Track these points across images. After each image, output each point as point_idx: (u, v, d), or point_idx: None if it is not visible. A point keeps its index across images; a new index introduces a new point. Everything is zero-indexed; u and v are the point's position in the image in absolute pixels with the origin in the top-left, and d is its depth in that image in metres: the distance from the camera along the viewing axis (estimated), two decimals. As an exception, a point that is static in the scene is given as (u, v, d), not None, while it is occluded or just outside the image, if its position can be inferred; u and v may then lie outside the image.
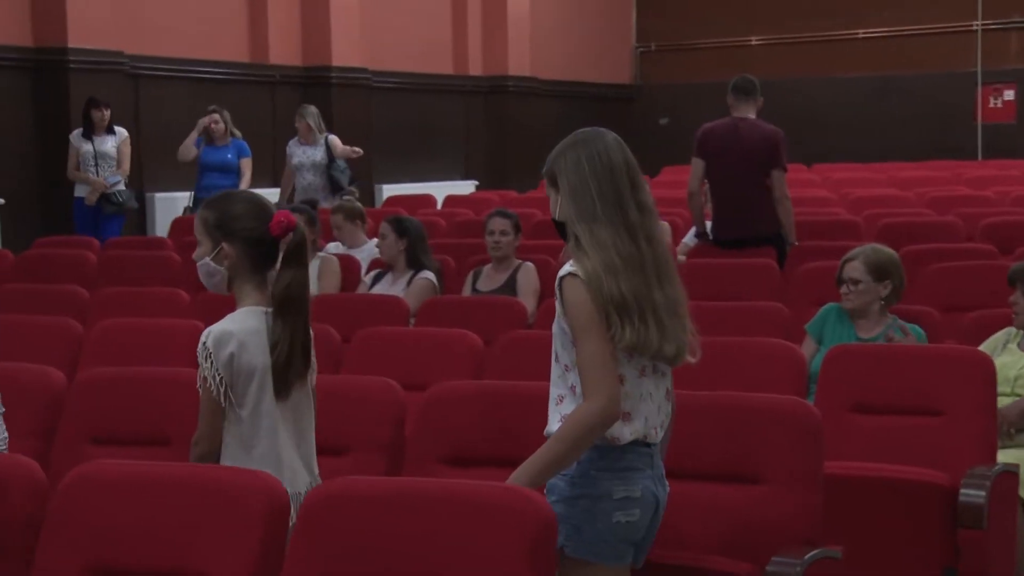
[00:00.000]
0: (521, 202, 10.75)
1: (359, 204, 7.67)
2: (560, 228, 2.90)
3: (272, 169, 12.31)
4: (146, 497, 2.70)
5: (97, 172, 9.50)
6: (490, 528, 2.51)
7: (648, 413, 2.83)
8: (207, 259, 3.09)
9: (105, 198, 9.51)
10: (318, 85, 12.61)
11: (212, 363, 2.99)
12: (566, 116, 16.33)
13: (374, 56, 13.31)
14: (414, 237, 6.39)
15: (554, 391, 2.90)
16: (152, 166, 10.95)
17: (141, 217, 10.92)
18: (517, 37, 15.14)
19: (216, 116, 9.78)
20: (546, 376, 3.94)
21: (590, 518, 2.80)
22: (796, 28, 16.61)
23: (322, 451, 3.71)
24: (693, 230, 7.58)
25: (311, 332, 3.12)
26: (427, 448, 3.58)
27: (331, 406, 3.78)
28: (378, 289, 6.33)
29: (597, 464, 2.81)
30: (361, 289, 6.43)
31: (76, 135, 9.61)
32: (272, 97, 12.30)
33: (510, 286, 6.26)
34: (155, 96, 11.01)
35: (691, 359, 2.87)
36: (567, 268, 2.79)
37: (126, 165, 9.64)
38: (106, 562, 2.67)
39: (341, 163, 9.81)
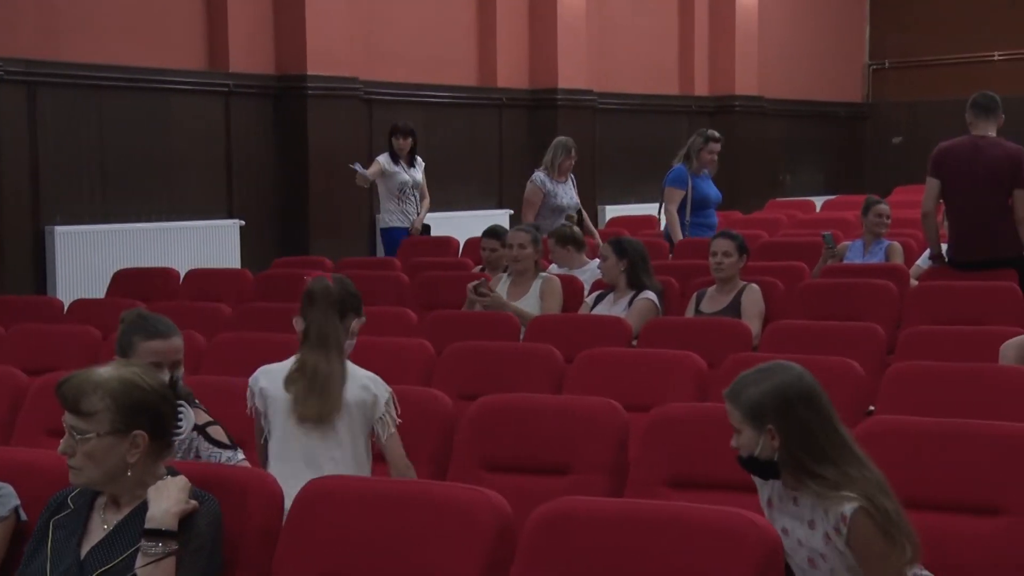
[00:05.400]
0: (746, 223, 10.58)
1: (576, 229, 7.57)
2: (751, 464, 2.87)
3: (498, 192, 12.51)
4: (376, 511, 2.75)
5: (417, 205, 9.44)
6: (715, 552, 2.46)
7: None
8: None
9: (425, 228, 9.50)
10: (544, 107, 12.74)
11: None
12: (793, 136, 16.06)
13: (600, 78, 13.36)
14: (634, 258, 6.36)
15: None
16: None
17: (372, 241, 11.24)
18: (744, 56, 14.95)
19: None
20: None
21: None
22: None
23: (544, 471, 3.72)
24: (927, 252, 7.31)
25: None
26: (650, 470, 3.55)
27: (554, 426, 3.79)
28: (599, 309, 6.33)
29: None
30: (583, 309, 6.43)
31: (390, 163, 9.38)
32: (499, 120, 12.49)
33: (734, 308, 6.17)
34: (388, 120, 11.32)
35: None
36: (850, 506, 2.75)
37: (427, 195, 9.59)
38: (338, 573, 2.73)
39: None
